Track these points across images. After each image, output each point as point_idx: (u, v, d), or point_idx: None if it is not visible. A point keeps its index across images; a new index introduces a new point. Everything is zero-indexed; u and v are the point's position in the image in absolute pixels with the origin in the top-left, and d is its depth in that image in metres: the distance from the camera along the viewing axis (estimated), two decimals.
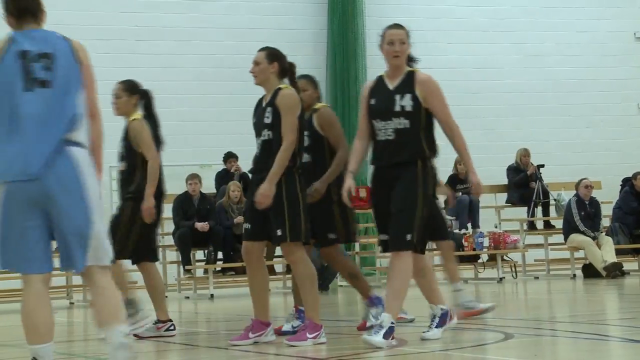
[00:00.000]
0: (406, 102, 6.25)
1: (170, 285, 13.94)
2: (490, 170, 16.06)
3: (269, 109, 6.60)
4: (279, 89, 6.62)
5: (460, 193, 14.70)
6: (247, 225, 6.68)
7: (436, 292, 6.71)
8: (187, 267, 13.40)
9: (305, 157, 6.84)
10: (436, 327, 6.58)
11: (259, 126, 6.64)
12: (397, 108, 6.23)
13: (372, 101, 6.35)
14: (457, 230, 14.36)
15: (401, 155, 6.19)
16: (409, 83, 6.34)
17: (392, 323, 6.14)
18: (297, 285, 7.05)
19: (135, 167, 7.51)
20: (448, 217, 14.59)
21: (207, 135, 16.10)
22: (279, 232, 6.45)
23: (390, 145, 6.21)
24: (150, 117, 7.74)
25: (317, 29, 16.97)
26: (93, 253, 4.58)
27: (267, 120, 6.56)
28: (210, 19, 16.31)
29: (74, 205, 4.52)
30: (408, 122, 6.24)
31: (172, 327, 7.64)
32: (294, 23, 16.64)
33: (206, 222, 13.17)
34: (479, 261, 14.45)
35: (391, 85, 6.34)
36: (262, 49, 6.88)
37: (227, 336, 7.24)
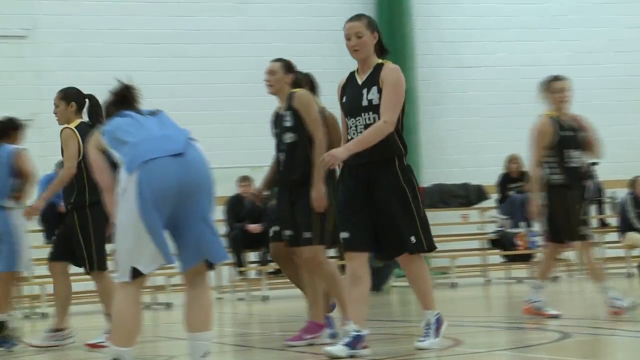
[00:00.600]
0: (373, 95, 5.88)
1: (223, 287, 13.99)
2: None
3: (287, 112, 6.67)
4: (293, 92, 6.71)
5: (513, 192, 14.56)
6: (288, 233, 6.66)
7: (430, 297, 6.13)
8: (240, 269, 13.46)
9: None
10: (434, 335, 6.06)
11: (281, 133, 6.68)
12: (365, 102, 5.89)
13: (344, 99, 6.08)
14: (510, 230, 14.24)
15: (375, 154, 5.80)
16: (375, 76, 5.95)
17: (357, 332, 5.78)
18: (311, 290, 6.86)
19: (73, 177, 7.48)
20: (501, 216, 14.52)
21: (258, 137, 15.93)
22: (307, 235, 6.50)
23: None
24: (93, 124, 7.51)
25: None
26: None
27: (288, 124, 6.62)
28: (257, 22, 16.32)
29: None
30: (377, 116, 5.84)
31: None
32: (340, 23, 16.55)
33: (258, 224, 13.17)
34: (533, 260, 14.31)
35: (360, 80, 6.03)
36: (277, 60, 6.99)
37: (281, 337, 7.21)
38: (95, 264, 7.50)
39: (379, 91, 5.87)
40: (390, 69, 5.91)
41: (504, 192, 14.61)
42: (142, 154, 4.55)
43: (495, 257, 14.84)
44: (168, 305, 12.00)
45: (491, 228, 14.82)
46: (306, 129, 6.64)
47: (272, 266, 13.33)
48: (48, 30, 15.27)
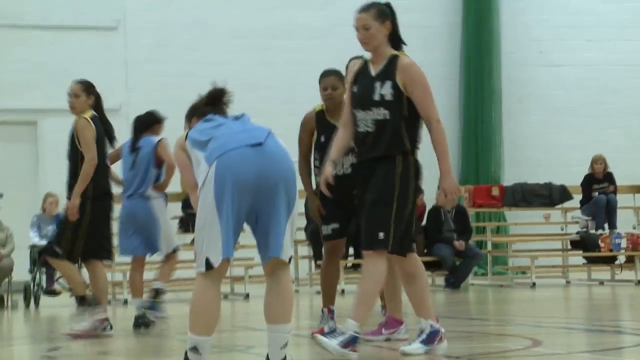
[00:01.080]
0: (386, 90, 5.62)
1: (301, 280, 14.09)
2: (629, 169, 15.69)
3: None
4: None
5: (597, 193, 14.34)
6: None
7: (426, 303, 5.83)
8: (318, 262, 13.45)
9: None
10: (421, 342, 5.79)
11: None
12: (377, 97, 5.62)
13: (355, 88, 5.80)
14: (593, 231, 14.03)
15: (378, 150, 5.60)
16: (390, 69, 5.67)
17: (356, 332, 5.60)
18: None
19: (77, 166, 7.65)
20: (584, 217, 14.30)
21: None
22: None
23: (369, 138, 5.64)
24: (102, 117, 7.85)
25: (450, 25, 16.83)
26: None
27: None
28: (344, 16, 16.25)
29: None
30: (388, 112, 5.61)
31: (109, 327, 7.75)
32: (427, 20, 16.56)
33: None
34: (616, 262, 14.09)
35: (374, 71, 5.74)
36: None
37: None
38: (77, 254, 7.65)
39: (393, 87, 5.63)
40: (407, 65, 5.65)
41: (588, 193, 14.41)
42: (221, 147, 4.60)
43: (577, 258, 14.64)
44: (246, 297, 12.07)
45: (573, 229, 14.62)
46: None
47: (350, 260, 13.33)
48: (136, 22, 15.48)
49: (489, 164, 16.69)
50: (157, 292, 8.37)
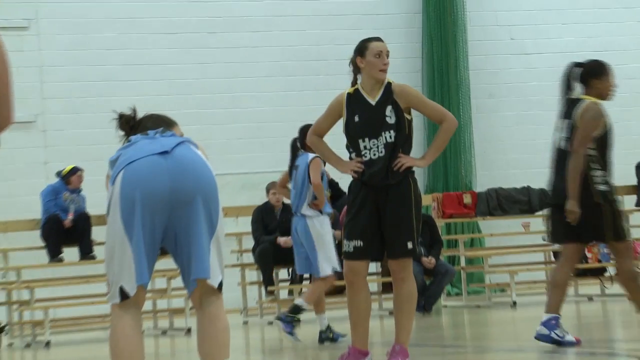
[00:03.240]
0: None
1: (250, 309, 13.90)
2: (616, 168, 15.68)
3: (389, 107, 6.78)
4: (389, 83, 6.83)
5: None
6: (357, 243, 6.70)
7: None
8: (269, 288, 13.35)
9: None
10: None
11: (377, 127, 6.75)
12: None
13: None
14: None
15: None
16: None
17: None
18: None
19: None
20: None
21: (290, 138, 16.13)
22: (409, 245, 6.67)
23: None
24: None
25: (410, 13, 16.85)
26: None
27: (390, 120, 6.75)
28: (290, 6, 16.26)
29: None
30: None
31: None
32: (383, 7, 16.58)
33: (290, 237, 13.08)
34: (605, 275, 14.16)
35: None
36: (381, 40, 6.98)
37: None
38: None
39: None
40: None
41: None
42: (125, 160, 4.57)
43: None
44: (188, 331, 11.96)
45: None
46: None
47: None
48: (51, 20, 15.24)
49: (458, 168, 16.59)
50: (295, 309, 9.39)
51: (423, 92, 16.60)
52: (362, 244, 6.65)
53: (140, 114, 5.04)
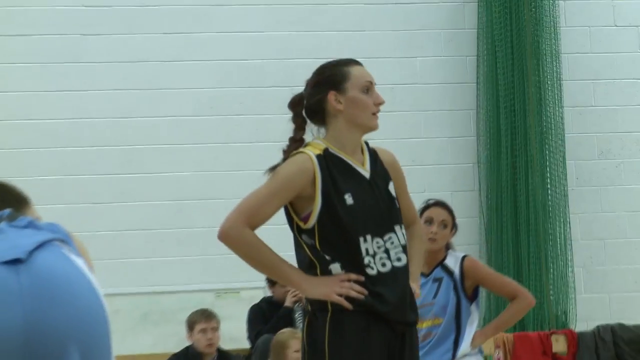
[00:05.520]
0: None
1: None
2: None
3: (390, 182, 4.96)
4: (366, 143, 4.98)
5: None
6: None
7: None
8: None
9: None
10: None
11: (388, 217, 4.67)
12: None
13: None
14: None
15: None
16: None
17: None
18: None
19: None
20: None
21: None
22: None
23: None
24: None
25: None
26: None
27: (398, 204, 4.99)
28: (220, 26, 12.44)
29: None
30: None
31: None
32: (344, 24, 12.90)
33: None
34: None
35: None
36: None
37: None
38: None
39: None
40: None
41: None
42: None
43: None
44: None
45: None
46: None
47: None
48: None
49: (544, 287, 11.25)
50: None
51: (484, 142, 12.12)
52: None
53: None
